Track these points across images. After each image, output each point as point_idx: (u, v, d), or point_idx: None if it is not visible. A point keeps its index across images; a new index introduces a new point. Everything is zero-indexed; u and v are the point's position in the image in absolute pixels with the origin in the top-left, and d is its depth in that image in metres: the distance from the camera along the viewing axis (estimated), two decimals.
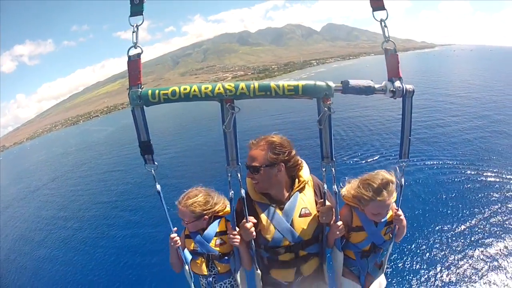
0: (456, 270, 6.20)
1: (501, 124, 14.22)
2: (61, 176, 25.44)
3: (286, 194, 2.14)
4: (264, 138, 2.07)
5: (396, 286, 6.09)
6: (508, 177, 9.20)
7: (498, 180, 9.15)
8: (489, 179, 9.28)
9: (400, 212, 2.13)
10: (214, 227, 2.23)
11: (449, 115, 17.04)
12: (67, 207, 16.43)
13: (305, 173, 2.21)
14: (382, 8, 1.74)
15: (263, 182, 2.07)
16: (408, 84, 1.79)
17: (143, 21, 1.73)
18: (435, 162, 10.95)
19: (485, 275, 5.96)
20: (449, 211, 8.03)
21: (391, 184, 2.01)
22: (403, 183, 2.03)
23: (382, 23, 1.74)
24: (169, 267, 2.38)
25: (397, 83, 1.77)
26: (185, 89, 1.70)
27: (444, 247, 6.86)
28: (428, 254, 6.77)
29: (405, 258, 6.72)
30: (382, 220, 2.14)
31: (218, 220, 2.26)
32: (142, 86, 1.74)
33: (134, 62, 1.74)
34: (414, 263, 6.56)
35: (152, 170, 1.91)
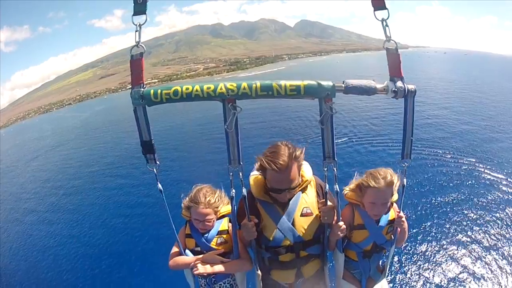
0: (460, 275, 5.77)
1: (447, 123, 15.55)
2: (40, 156, 25.71)
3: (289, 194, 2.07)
4: (285, 154, 1.89)
5: None
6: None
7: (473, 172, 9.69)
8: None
9: (402, 214, 2.10)
10: (217, 227, 2.19)
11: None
12: (50, 178, 17.20)
13: (307, 173, 2.16)
14: (383, 7, 1.71)
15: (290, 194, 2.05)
16: (409, 84, 1.74)
17: (146, 20, 1.68)
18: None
19: (490, 279, 5.60)
20: (450, 212, 7.62)
21: (390, 177, 1.99)
22: (405, 183, 2.01)
23: (384, 22, 1.71)
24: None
25: (399, 83, 1.73)
26: (187, 88, 1.67)
27: (448, 252, 6.38)
28: (432, 259, 6.25)
29: (408, 264, 6.20)
30: (384, 215, 2.11)
31: (221, 220, 2.21)
32: (145, 86, 1.72)
33: (136, 62, 1.71)
34: (418, 269, 6.10)
35: (154, 170, 1.87)
